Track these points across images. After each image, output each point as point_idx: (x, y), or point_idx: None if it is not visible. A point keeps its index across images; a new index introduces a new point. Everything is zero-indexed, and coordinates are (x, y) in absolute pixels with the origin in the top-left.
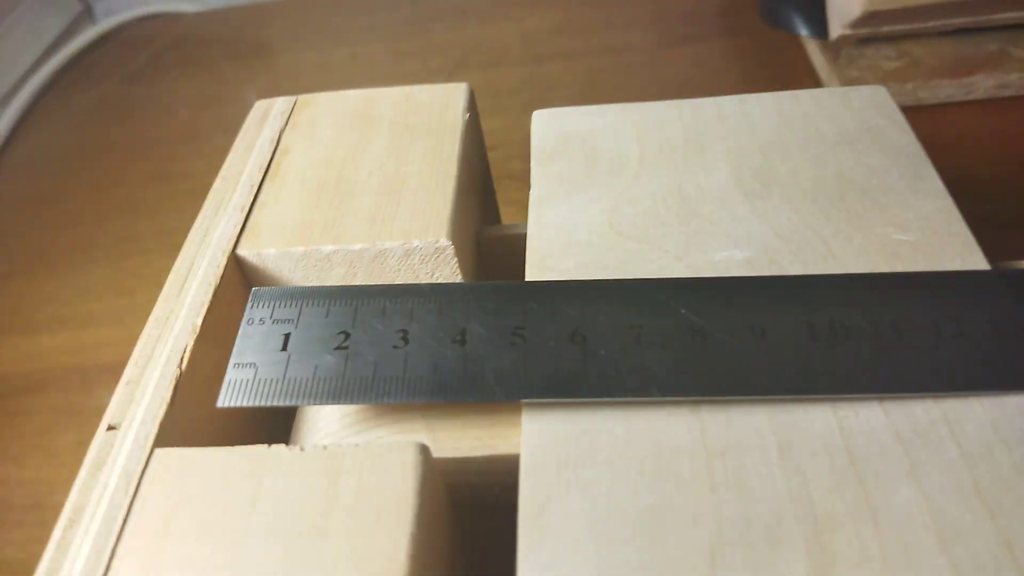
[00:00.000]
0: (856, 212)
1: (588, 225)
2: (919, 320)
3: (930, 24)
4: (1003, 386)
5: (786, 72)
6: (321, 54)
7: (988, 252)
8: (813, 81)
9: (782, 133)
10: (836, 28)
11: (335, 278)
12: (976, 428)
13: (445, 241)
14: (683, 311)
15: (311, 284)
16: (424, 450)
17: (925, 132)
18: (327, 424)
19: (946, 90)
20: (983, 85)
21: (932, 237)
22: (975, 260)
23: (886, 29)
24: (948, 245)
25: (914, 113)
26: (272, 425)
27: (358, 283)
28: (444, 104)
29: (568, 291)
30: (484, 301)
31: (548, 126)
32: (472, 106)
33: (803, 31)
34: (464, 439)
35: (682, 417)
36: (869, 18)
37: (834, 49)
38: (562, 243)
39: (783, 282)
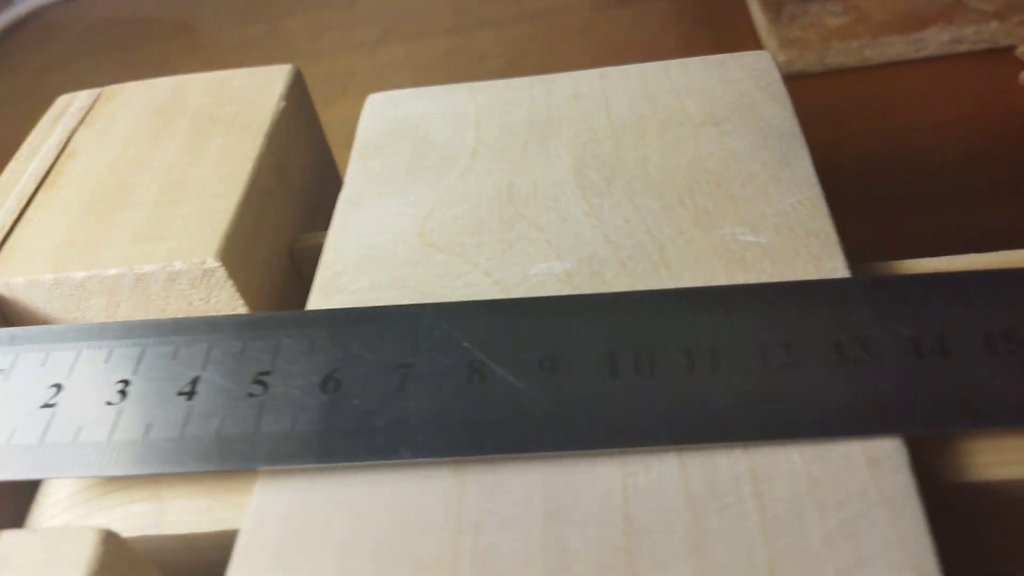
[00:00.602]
0: (705, 209)
1: (396, 234)
2: (742, 347)
3: None
4: (831, 431)
5: (729, 33)
6: (241, 31)
7: (904, 239)
8: (755, 43)
9: (642, 113)
10: None
11: (95, 310)
12: (788, 487)
13: (213, 262)
14: (466, 344)
15: (71, 318)
16: (108, 538)
17: (870, 95)
18: (60, 495)
19: (895, 47)
20: (935, 40)
21: (787, 238)
22: (833, 266)
23: None
24: (804, 247)
25: (860, 74)
26: None
27: (121, 316)
28: (258, 92)
29: (333, 322)
30: (228, 340)
31: (380, 113)
32: (296, 92)
33: None
34: (196, 510)
35: (441, 482)
36: None
37: (776, 6)
38: (361, 257)
39: (588, 302)
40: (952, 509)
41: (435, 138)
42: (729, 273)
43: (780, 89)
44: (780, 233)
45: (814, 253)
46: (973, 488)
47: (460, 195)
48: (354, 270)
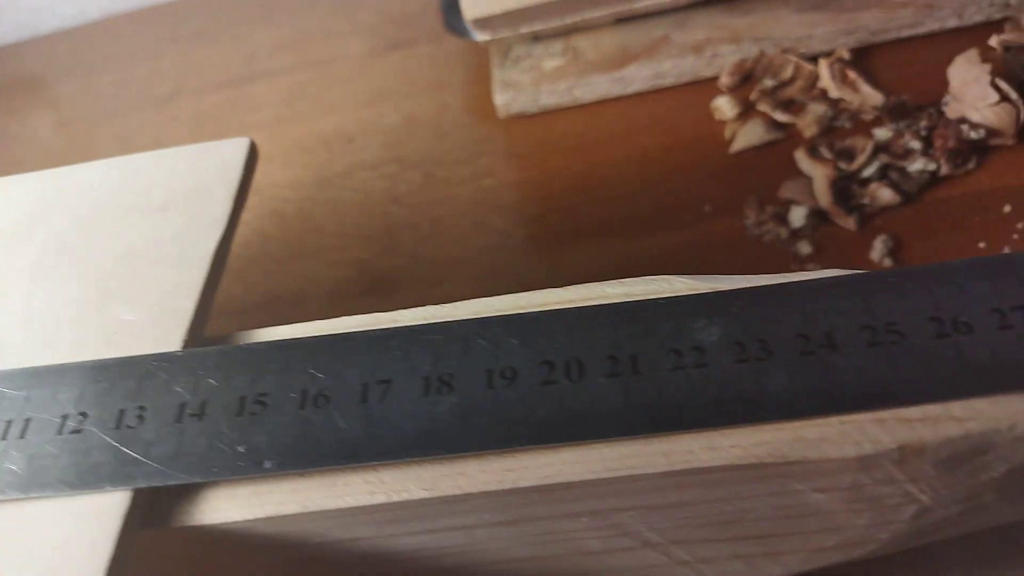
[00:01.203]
0: (109, 290)
1: None
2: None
3: (567, 21)
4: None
5: (474, 76)
6: (86, 81)
7: (573, 267)
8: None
9: (104, 203)
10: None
11: None
12: None
13: None
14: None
15: None
16: None
17: (577, 132)
18: None
19: (602, 86)
20: (638, 76)
21: (157, 315)
22: (170, 341)
23: (538, 28)
24: (162, 323)
25: (571, 113)
26: None
27: None
28: None
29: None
30: None
31: None
32: None
33: (473, 36)
34: None
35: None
36: (486, 23)
37: (504, 51)
38: None
39: None
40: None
41: None
42: (96, 349)
43: (235, 175)
44: (153, 312)
45: (164, 330)
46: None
47: None
48: None
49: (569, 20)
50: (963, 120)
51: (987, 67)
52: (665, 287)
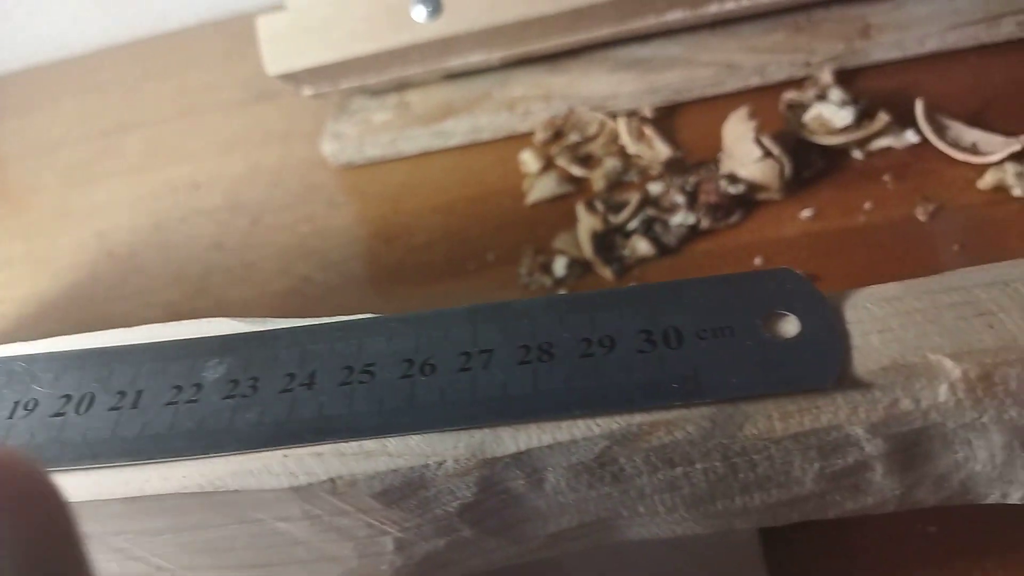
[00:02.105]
0: None
1: None
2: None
3: (368, 81)
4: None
5: (322, 127)
6: None
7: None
8: None
9: None
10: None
11: None
12: None
13: None
14: None
15: None
16: None
17: (397, 183)
18: None
19: (423, 139)
20: (458, 130)
21: None
22: None
23: (344, 85)
24: None
25: (395, 164)
26: None
27: None
28: None
29: None
30: None
31: None
32: None
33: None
34: None
35: None
36: (294, 79)
37: (341, 103)
38: None
39: None
40: None
41: None
42: None
43: None
44: None
45: None
46: None
47: None
48: None
49: (358, 82)
50: (733, 176)
51: (752, 124)
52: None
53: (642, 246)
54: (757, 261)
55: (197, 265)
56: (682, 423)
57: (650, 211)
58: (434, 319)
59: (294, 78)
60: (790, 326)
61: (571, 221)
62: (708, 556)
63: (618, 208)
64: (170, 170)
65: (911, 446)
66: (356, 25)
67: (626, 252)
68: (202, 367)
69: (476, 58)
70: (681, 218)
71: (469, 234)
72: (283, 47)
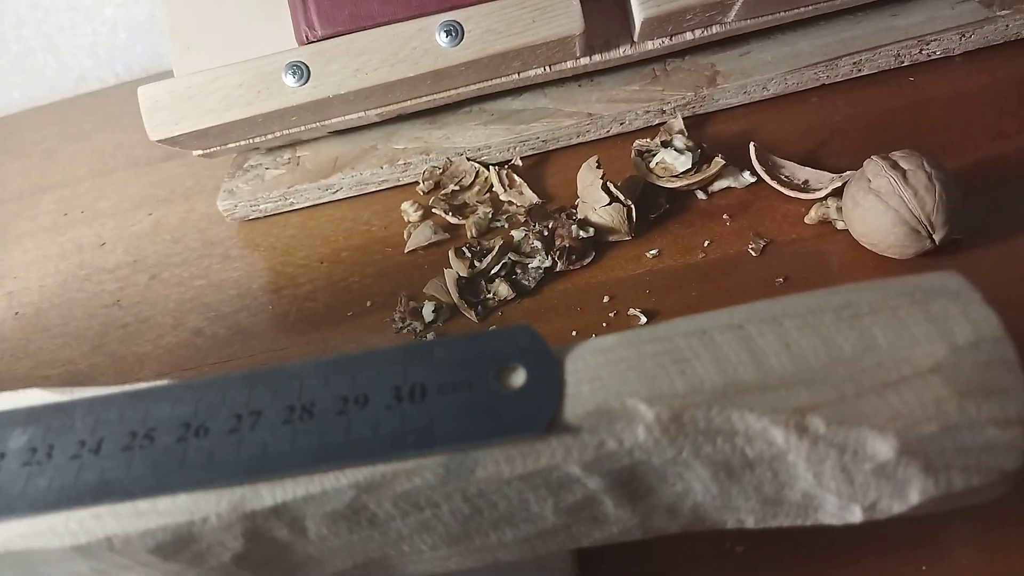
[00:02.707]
0: None
1: None
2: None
3: (242, 143)
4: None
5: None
6: None
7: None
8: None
9: None
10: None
11: None
12: None
13: None
14: None
15: None
16: None
17: (288, 235)
18: None
19: (312, 193)
20: (344, 184)
21: None
22: None
23: (219, 147)
24: None
25: (287, 217)
26: None
27: None
28: None
29: None
30: None
31: None
32: None
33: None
34: None
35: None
36: (177, 142)
37: (239, 161)
38: None
39: None
40: None
41: None
42: None
43: None
44: None
45: None
46: None
47: None
48: None
49: (243, 142)
50: (585, 220)
51: (599, 172)
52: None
53: (503, 289)
54: (605, 300)
55: (96, 323)
56: (420, 471)
57: (512, 256)
58: (215, 384)
59: (178, 142)
60: (519, 378)
61: (444, 267)
62: None
63: (484, 254)
64: (80, 229)
65: (628, 480)
66: (231, 92)
67: (489, 295)
68: (8, 436)
69: (353, 116)
70: (539, 262)
71: (350, 282)
72: (162, 114)
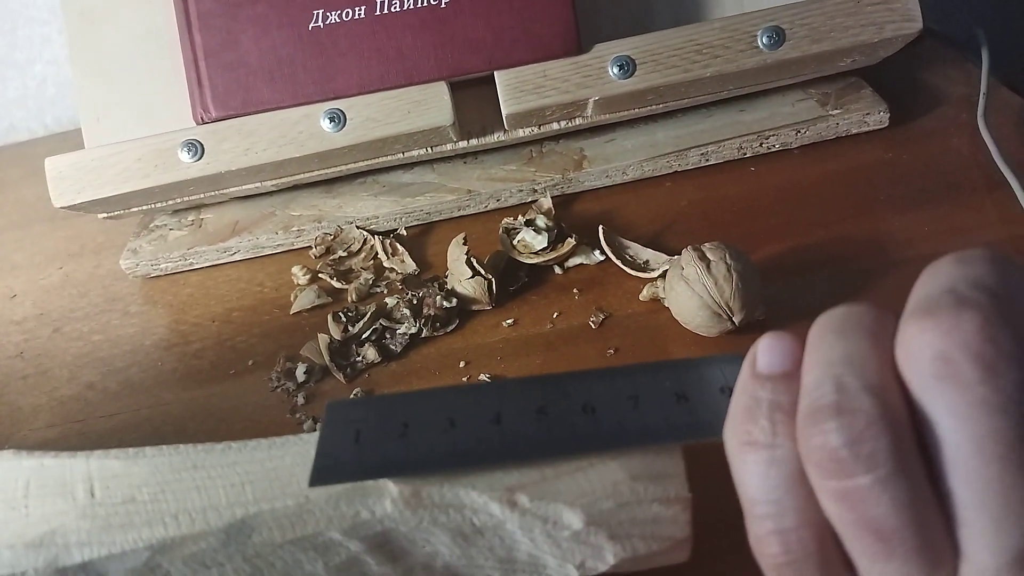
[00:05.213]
0: None
1: None
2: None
3: (143, 208)
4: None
5: None
6: None
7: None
8: None
9: None
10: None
11: None
12: None
13: None
14: None
15: None
16: None
17: (185, 295)
18: None
19: (211, 254)
20: (241, 247)
21: None
22: None
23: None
24: None
25: (188, 277)
26: None
27: None
28: None
29: None
30: None
31: None
32: None
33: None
34: None
35: None
36: (81, 208)
37: (145, 223)
38: None
39: None
40: None
41: None
42: None
43: None
44: None
45: None
46: None
47: None
48: None
49: (144, 207)
50: (451, 291)
51: (465, 248)
52: None
53: (371, 353)
54: (462, 364)
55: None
56: (205, 535)
57: (383, 321)
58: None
59: (81, 208)
60: None
61: (325, 329)
62: None
63: (359, 319)
64: None
65: (384, 544)
66: (130, 165)
67: (359, 358)
68: None
69: (249, 187)
70: (406, 328)
71: (236, 341)
72: (65, 184)
